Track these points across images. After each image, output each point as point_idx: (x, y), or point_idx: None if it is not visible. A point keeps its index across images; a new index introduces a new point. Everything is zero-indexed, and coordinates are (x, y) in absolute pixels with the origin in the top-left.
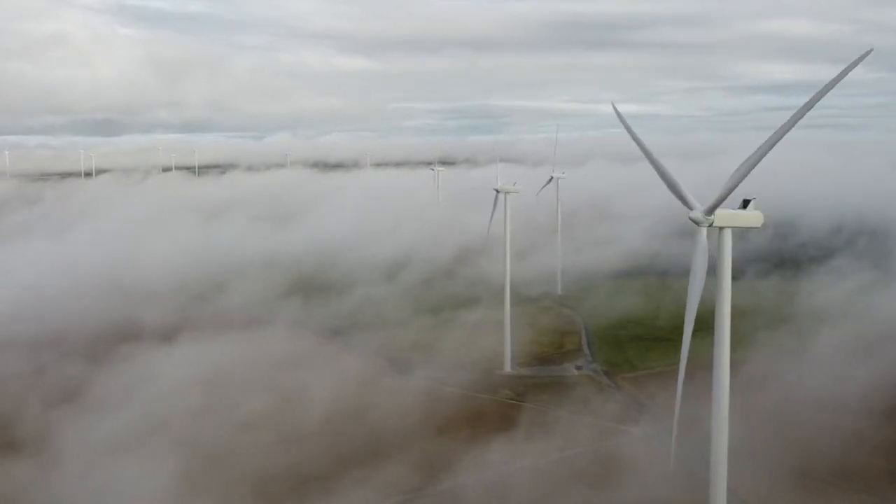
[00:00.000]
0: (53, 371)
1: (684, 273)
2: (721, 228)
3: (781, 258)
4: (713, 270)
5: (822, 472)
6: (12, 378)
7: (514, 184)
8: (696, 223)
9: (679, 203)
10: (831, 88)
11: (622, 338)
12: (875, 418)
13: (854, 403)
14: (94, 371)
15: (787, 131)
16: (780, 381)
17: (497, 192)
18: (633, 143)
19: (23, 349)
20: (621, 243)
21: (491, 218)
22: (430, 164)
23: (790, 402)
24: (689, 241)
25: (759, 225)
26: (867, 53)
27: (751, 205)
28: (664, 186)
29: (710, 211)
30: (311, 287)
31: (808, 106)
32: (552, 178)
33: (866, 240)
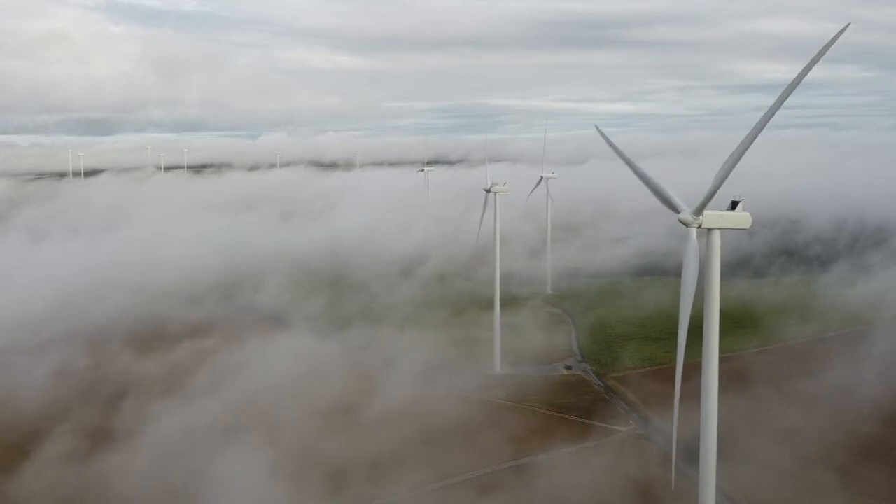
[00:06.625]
0: (114, 365)
1: (676, 273)
2: (710, 230)
3: (792, 255)
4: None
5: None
6: (77, 372)
7: (504, 183)
8: (686, 224)
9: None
10: (807, 73)
11: (612, 337)
12: None
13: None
14: (153, 366)
15: (765, 125)
16: (815, 381)
17: (487, 191)
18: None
19: (73, 345)
20: (614, 243)
21: (481, 219)
22: (421, 163)
23: (823, 402)
24: (682, 241)
25: (747, 226)
26: (846, 27)
27: (739, 206)
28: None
29: (699, 211)
30: (318, 286)
31: (782, 97)
32: (542, 178)
33: (872, 235)
